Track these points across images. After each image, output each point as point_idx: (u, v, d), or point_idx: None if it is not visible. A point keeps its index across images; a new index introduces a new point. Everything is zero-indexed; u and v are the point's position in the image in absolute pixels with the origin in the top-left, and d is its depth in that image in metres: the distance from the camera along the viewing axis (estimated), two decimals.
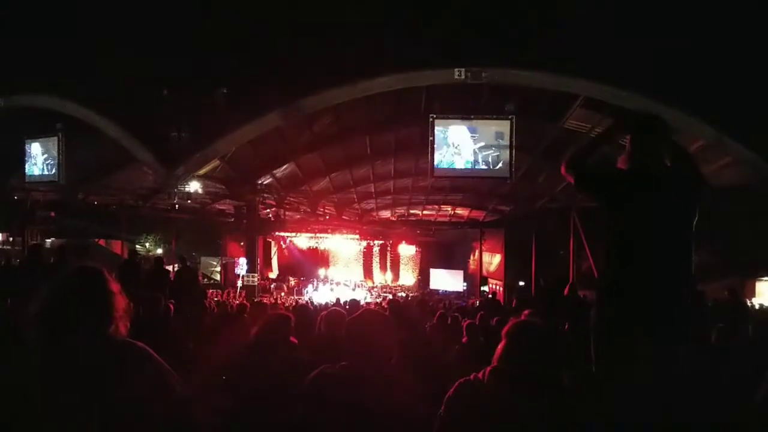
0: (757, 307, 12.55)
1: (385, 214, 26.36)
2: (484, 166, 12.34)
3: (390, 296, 20.52)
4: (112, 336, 1.76)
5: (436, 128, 12.08)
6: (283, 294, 22.70)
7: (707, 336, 4.46)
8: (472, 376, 2.19)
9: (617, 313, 2.66)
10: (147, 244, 24.28)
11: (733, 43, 9.46)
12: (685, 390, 2.63)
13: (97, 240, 22.54)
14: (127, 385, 1.69)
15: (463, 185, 19.30)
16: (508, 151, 12.11)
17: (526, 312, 4.43)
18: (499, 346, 2.21)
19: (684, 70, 10.02)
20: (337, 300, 15.11)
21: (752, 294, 14.84)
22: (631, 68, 10.24)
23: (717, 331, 4.45)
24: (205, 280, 22.47)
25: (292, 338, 3.09)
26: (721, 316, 6.15)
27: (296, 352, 3.07)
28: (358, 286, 25.63)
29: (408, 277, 28.23)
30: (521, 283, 21.90)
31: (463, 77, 10.97)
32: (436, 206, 24.81)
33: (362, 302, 13.62)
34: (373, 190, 21.49)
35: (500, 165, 12.25)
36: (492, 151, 12.19)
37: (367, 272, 27.97)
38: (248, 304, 9.71)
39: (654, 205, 2.63)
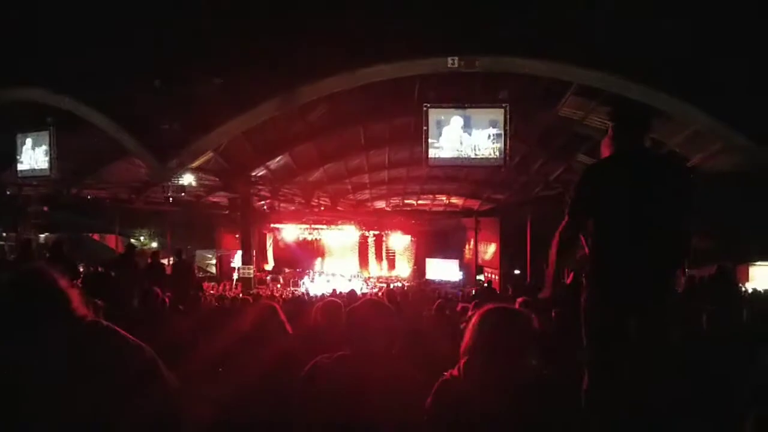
0: (750, 291, 12.66)
1: (380, 204, 26.37)
2: (478, 155, 12.34)
3: (385, 286, 20.53)
4: (72, 319, 1.79)
5: (430, 117, 12.07)
6: (279, 286, 22.71)
7: (698, 319, 4.49)
8: (448, 374, 2.10)
9: (604, 297, 2.68)
10: (141, 238, 24.18)
11: (727, 27, 9.45)
12: (675, 373, 2.65)
13: (91, 234, 22.44)
14: (96, 362, 1.72)
15: (457, 174, 19.32)
16: (502, 140, 12.12)
17: (520, 299, 4.48)
18: (467, 337, 2.08)
19: (677, 55, 10.00)
20: (333, 291, 15.15)
21: (746, 279, 14.96)
22: (624, 54, 10.21)
23: (708, 314, 4.48)
24: (201, 273, 22.45)
25: (288, 328, 3.10)
26: (710, 299, 6.19)
27: (292, 343, 3.08)
28: (354, 277, 25.66)
29: (404, 267, 28.26)
30: (516, 272, 21.96)
31: (456, 65, 10.92)
32: (431, 196, 24.83)
33: (359, 293, 13.65)
34: (367, 181, 21.49)
35: (494, 153, 12.25)
36: (486, 140, 12.19)
37: (363, 263, 27.99)
38: (250, 298, 9.72)
39: (636, 190, 2.65)
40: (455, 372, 2.07)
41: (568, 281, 8.88)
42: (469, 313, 5.60)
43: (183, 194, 17.64)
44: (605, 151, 2.90)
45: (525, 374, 2.01)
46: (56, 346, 1.69)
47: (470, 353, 2.05)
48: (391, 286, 20.97)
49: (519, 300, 4.54)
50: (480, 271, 24.81)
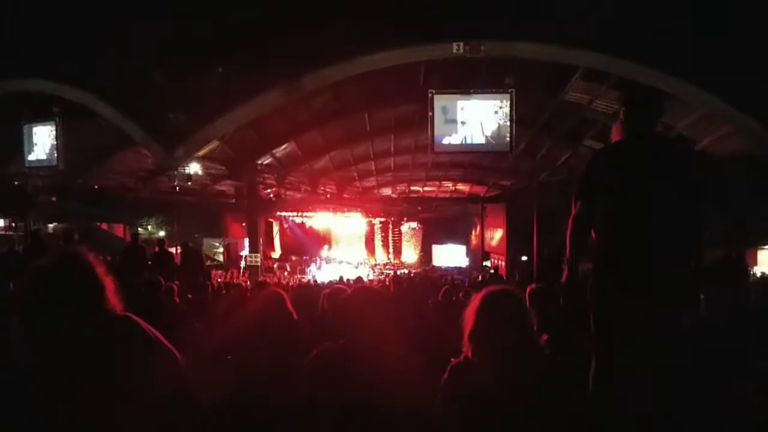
0: (759, 275, 12.61)
1: (386, 191, 26.35)
2: (484, 141, 12.29)
3: (392, 273, 20.58)
4: (105, 311, 1.79)
5: (436, 103, 12.01)
6: (286, 273, 22.81)
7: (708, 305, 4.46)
8: (462, 357, 2.17)
9: (610, 282, 2.67)
10: (149, 227, 24.30)
11: (734, 10, 9.33)
12: (682, 359, 2.65)
13: (99, 224, 22.56)
14: (124, 354, 1.74)
15: (463, 161, 19.25)
16: (508, 125, 12.06)
17: (532, 286, 4.44)
18: (472, 319, 2.19)
19: (684, 38, 9.88)
20: (340, 278, 15.19)
21: (754, 262, 14.88)
22: (631, 37, 10.10)
23: (718, 300, 4.46)
24: (208, 261, 22.55)
25: (294, 315, 3.11)
26: (721, 284, 6.16)
27: (299, 330, 3.09)
28: (361, 264, 25.74)
29: (410, 254, 28.32)
30: (524, 258, 21.93)
31: (461, 51, 10.84)
32: (437, 182, 24.78)
33: (365, 280, 13.68)
34: (373, 168, 21.44)
35: (500, 139, 12.20)
36: (492, 126, 12.13)
37: (370, 250, 28.05)
38: (244, 283, 9.76)
39: (645, 174, 2.63)
40: (469, 354, 2.16)
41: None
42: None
43: (190, 183, 17.69)
44: (616, 136, 2.87)
45: (534, 351, 2.15)
46: (85, 339, 1.70)
47: (475, 338, 2.16)
48: (398, 272, 21.01)
49: (531, 287, 4.50)
50: (487, 257, 24.81)
